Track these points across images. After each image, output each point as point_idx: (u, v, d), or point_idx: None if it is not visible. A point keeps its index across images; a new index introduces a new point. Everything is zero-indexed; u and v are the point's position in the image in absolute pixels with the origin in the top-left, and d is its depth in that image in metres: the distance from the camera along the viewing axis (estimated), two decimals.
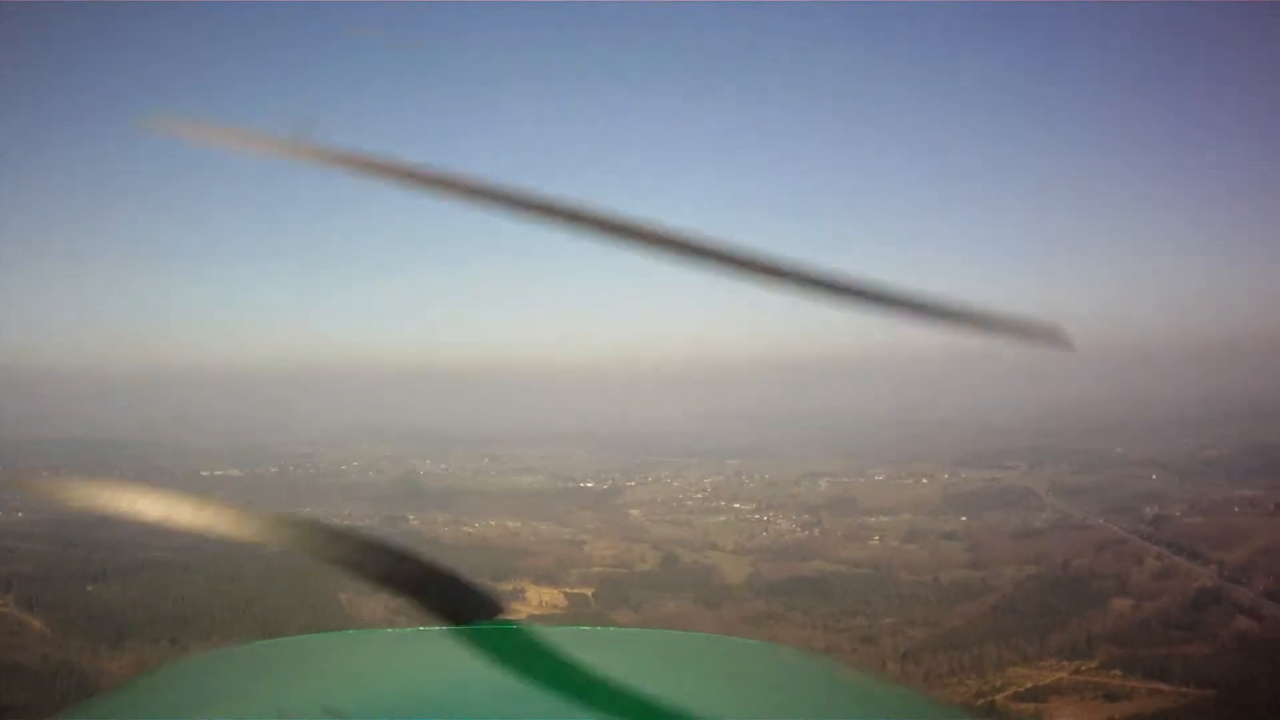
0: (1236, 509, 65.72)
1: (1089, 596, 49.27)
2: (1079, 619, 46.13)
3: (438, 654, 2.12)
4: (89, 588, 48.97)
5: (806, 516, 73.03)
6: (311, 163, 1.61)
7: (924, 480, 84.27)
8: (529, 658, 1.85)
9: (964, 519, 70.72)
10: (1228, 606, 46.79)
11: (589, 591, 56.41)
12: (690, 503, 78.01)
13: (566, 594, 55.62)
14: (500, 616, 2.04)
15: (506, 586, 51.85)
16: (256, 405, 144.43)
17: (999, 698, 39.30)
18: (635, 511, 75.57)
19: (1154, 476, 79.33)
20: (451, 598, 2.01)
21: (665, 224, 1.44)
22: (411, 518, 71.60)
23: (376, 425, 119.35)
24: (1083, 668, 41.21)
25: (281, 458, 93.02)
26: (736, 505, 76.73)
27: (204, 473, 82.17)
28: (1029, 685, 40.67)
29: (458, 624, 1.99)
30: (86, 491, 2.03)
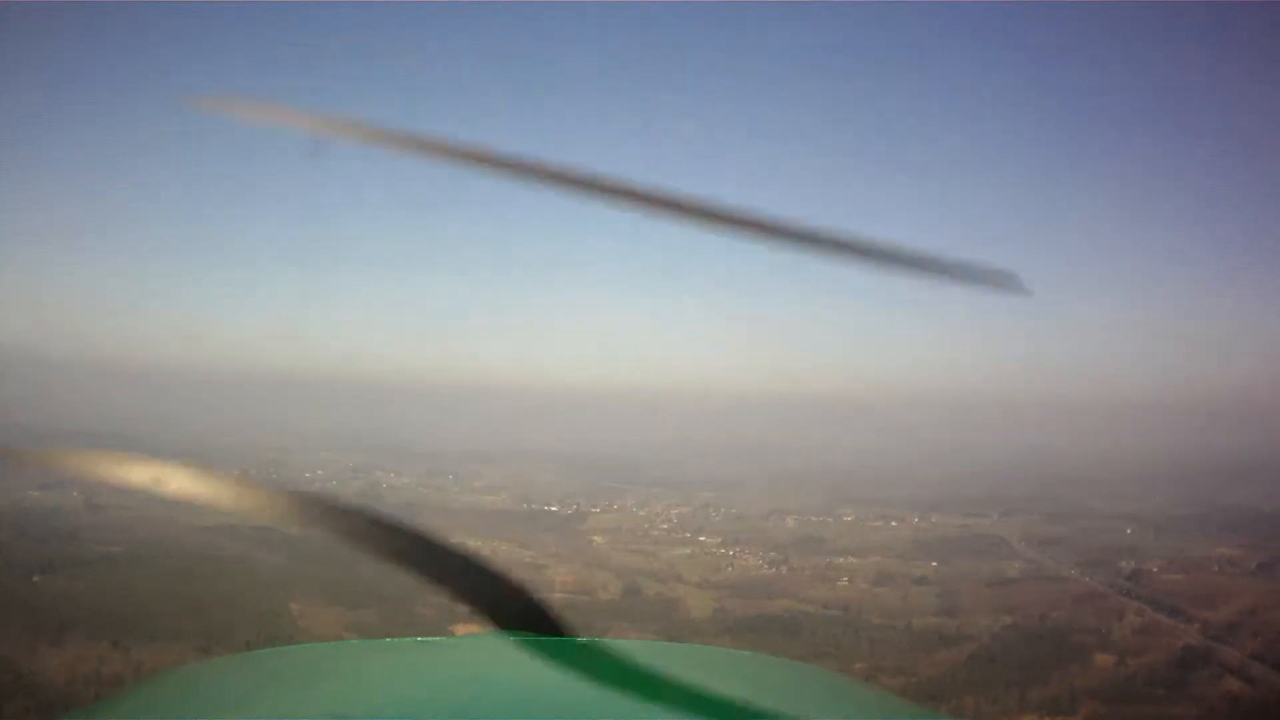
0: (1216, 568, 64.28)
1: (1069, 650, 47.21)
2: (1060, 673, 44.07)
3: (440, 664, 2.24)
4: (35, 579, 46.15)
5: (774, 554, 70.89)
6: (349, 139, 1.62)
7: (893, 523, 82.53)
8: (528, 668, 1.87)
9: (934, 564, 68.86)
10: (1215, 667, 44.88)
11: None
12: (655, 533, 75.94)
13: None
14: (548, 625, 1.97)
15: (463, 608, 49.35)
16: (227, 406, 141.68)
17: None
18: (599, 538, 73.20)
19: (1129, 531, 77.96)
20: (497, 602, 1.95)
21: (643, 180, 1.48)
22: None
23: (345, 435, 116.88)
24: None
25: (247, 461, 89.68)
26: (702, 538, 74.54)
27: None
28: None
29: (502, 628, 1.95)
30: (78, 460, 1.92)
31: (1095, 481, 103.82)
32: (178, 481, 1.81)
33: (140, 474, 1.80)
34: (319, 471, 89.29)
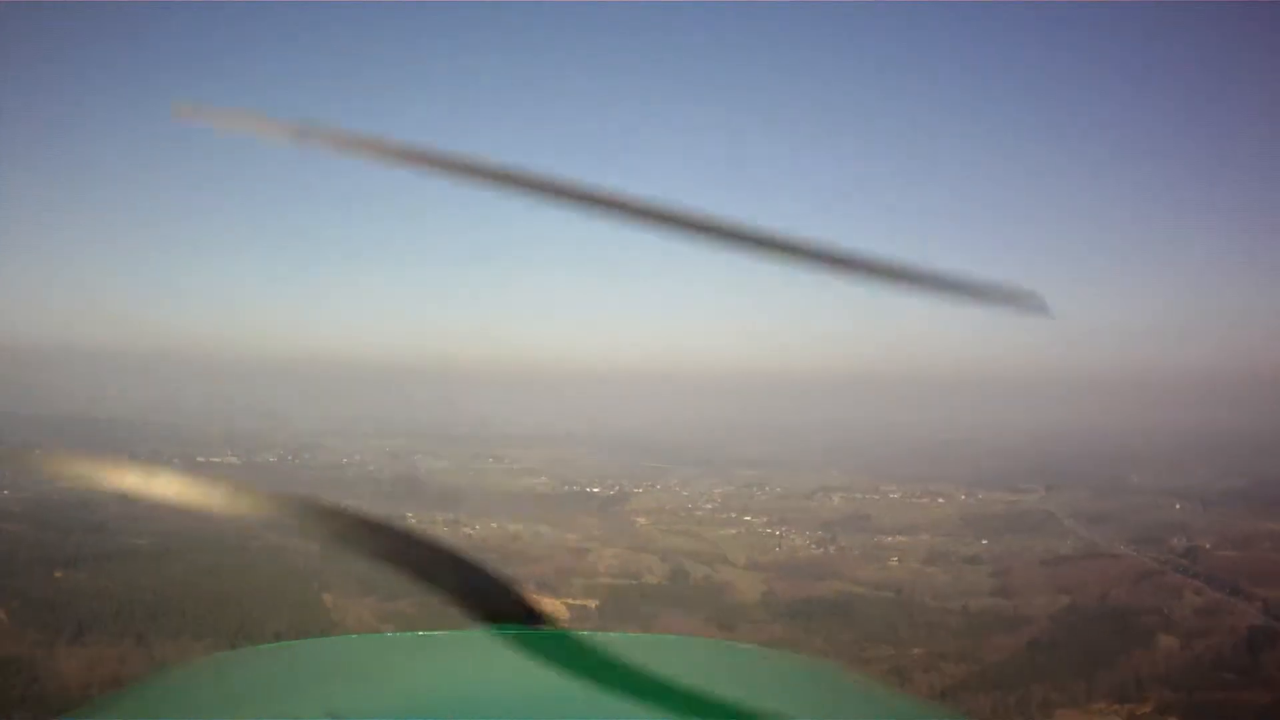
0: (1268, 544, 62.91)
1: (1132, 633, 46.13)
2: (1125, 657, 43.15)
3: (446, 658, 2.24)
4: (57, 574, 45.00)
5: (820, 533, 70.08)
6: (329, 148, 1.61)
7: (940, 500, 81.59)
8: (540, 662, 1.85)
9: (985, 542, 67.95)
10: None
11: (593, 603, 52.96)
12: (700, 513, 75.09)
13: (569, 605, 52.15)
14: (534, 619, 1.98)
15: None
16: (261, 393, 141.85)
17: None
18: (642, 520, 72.51)
19: (1177, 506, 76.94)
20: (485, 597, 1.95)
21: (662, 200, 1.48)
22: (410, 516, 68.56)
23: (381, 420, 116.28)
24: (1137, 712, 38.29)
25: (281, 447, 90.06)
26: (747, 518, 73.77)
27: (199, 458, 78.57)
28: None
29: (490, 623, 1.95)
30: (88, 468, 1.88)
31: (1135, 457, 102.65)
32: (166, 485, 1.75)
33: (129, 478, 1.74)
34: (356, 456, 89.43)
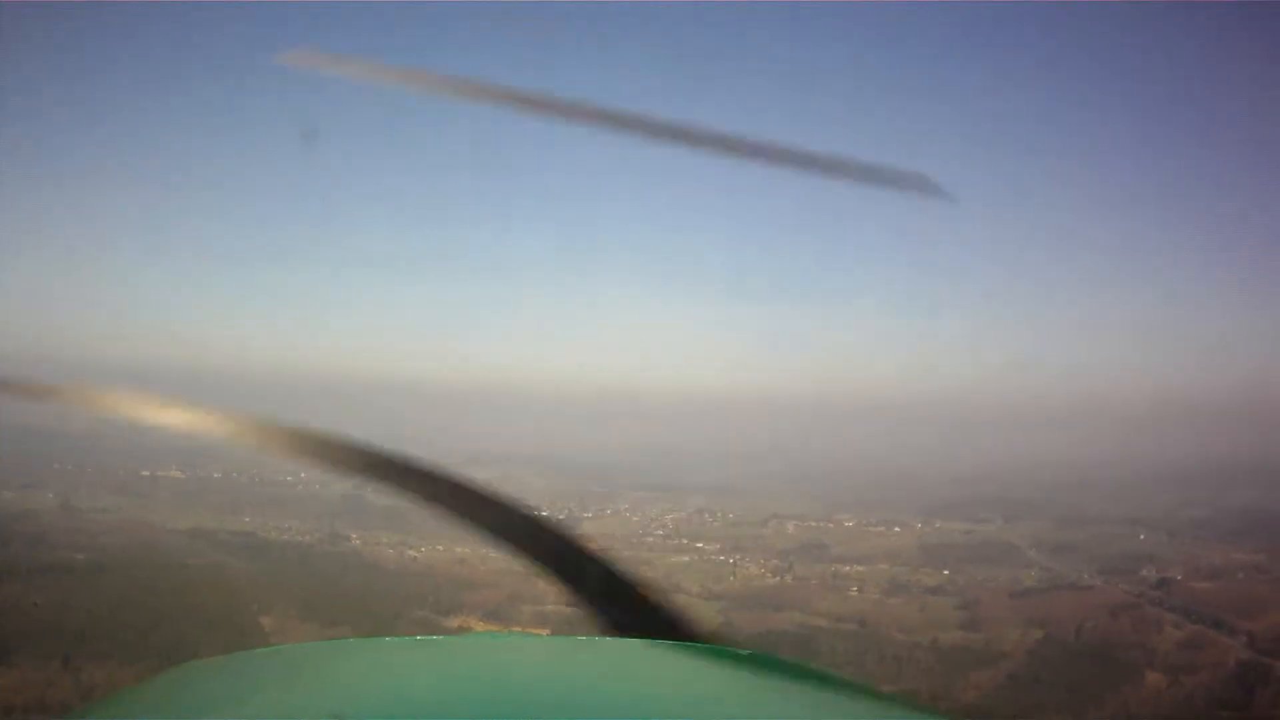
0: (1241, 574, 61.33)
1: (1116, 668, 43.49)
2: (1112, 694, 40.39)
3: (447, 661, 2.27)
4: None
5: (776, 561, 67.21)
6: (429, 92, 1.79)
7: (896, 529, 78.92)
8: (540, 665, 1.97)
9: (946, 573, 65.36)
10: (1277, 684, 41.36)
11: (544, 632, 49.39)
12: (651, 539, 72.05)
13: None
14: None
15: (452, 623, 45.98)
16: (213, 406, 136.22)
17: None
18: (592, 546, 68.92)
19: (1141, 536, 74.94)
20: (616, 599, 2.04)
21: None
22: (354, 536, 66.36)
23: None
24: None
25: (228, 462, 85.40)
26: (700, 545, 70.85)
27: (144, 472, 76.97)
28: None
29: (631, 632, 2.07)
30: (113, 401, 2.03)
31: (1094, 485, 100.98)
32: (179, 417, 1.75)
33: (149, 411, 1.75)
34: (302, 474, 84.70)
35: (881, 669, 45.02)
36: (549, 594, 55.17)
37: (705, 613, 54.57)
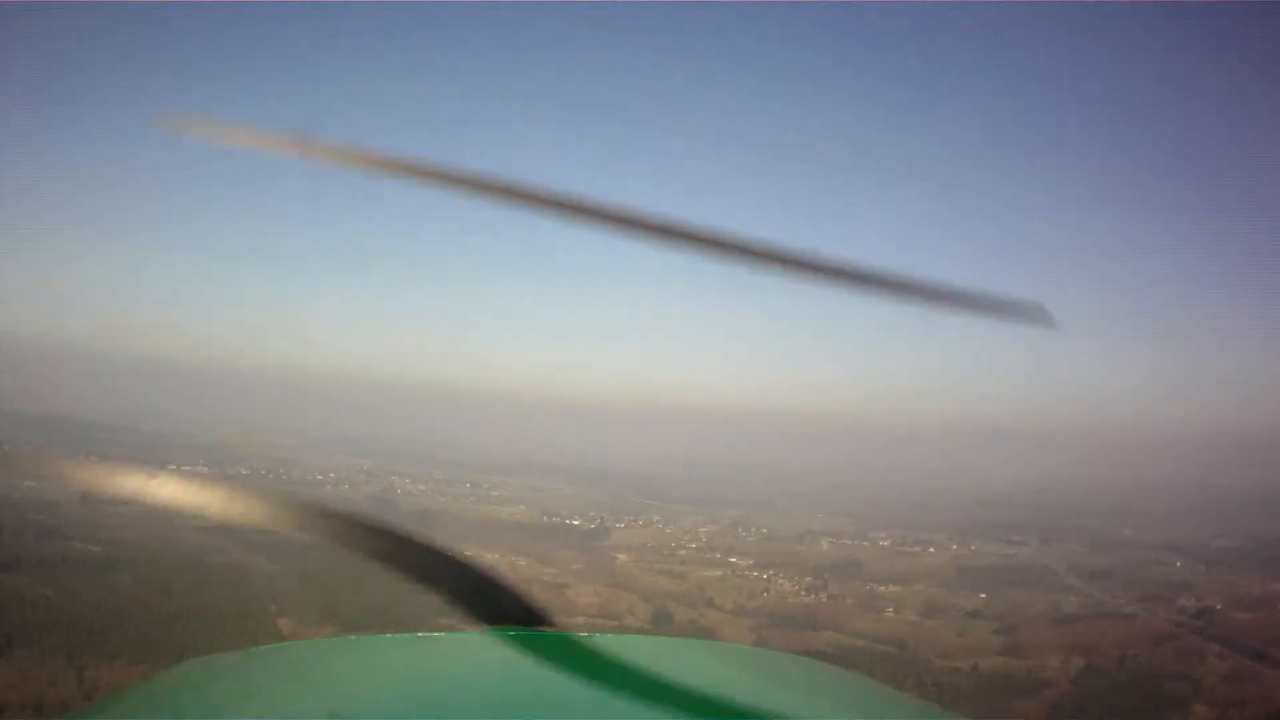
0: None
1: (1163, 699, 42.82)
2: None
3: (448, 659, 2.25)
4: None
5: (810, 579, 66.37)
6: (322, 160, 1.61)
7: (930, 549, 77.98)
8: (540, 663, 1.87)
9: (983, 596, 64.46)
10: None
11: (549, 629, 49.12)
12: (683, 552, 71.38)
13: None
14: (535, 619, 2.00)
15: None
16: (241, 403, 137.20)
17: None
18: (623, 556, 68.69)
19: (1178, 564, 73.92)
20: (485, 598, 1.96)
21: (661, 213, 1.47)
22: None
23: (360, 438, 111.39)
24: None
25: (255, 460, 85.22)
26: (733, 559, 70.01)
27: (170, 466, 75.11)
28: None
29: (491, 625, 1.96)
30: (80, 471, 1.94)
31: (1126, 510, 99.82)
32: (167, 489, 1.73)
33: (128, 482, 1.71)
34: (330, 474, 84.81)
35: (922, 694, 44.35)
36: (577, 604, 55.40)
37: (739, 631, 54.59)
